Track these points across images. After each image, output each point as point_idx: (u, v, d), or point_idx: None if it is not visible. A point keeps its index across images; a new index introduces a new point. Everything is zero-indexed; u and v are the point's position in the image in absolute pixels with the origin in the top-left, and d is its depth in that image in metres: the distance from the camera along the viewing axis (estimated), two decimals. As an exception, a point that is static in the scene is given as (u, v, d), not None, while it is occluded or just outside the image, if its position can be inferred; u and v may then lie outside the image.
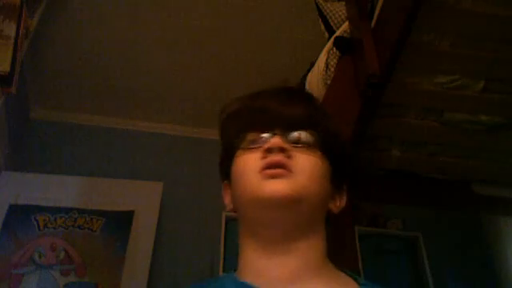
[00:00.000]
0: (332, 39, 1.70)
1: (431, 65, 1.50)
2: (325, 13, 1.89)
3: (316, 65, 1.79)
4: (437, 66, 1.50)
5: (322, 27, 1.92)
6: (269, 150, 0.73)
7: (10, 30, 1.94)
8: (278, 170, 0.71)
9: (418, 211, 2.81)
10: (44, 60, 2.88)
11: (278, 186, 0.70)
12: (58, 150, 3.00)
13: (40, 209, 2.67)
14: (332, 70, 1.65)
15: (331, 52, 1.67)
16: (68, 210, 2.70)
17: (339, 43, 1.62)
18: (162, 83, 3.03)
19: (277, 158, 0.72)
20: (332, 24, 1.85)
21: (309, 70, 1.87)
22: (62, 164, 2.93)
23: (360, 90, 1.47)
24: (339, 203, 0.80)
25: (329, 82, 1.63)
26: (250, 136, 0.77)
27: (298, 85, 1.95)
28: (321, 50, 1.79)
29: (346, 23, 1.68)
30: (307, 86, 1.84)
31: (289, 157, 0.73)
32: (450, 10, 1.35)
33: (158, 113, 3.23)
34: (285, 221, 0.72)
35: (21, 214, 2.65)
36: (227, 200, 0.82)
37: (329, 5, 1.90)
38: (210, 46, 2.83)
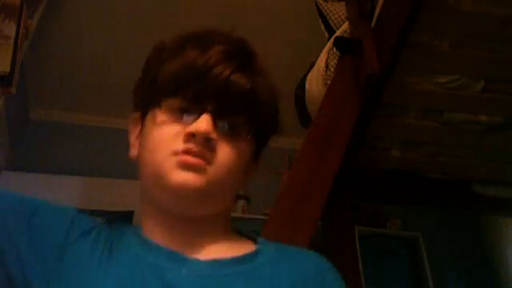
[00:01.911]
0: (332, 39, 1.70)
1: (431, 65, 1.50)
2: (325, 13, 1.89)
3: (316, 65, 1.79)
4: (437, 66, 1.50)
5: (322, 27, 1.92)
6: (192, 135, 0.64)
7: (10, 30, 1.94)
8: (195, 161, 0.63)
9: (418, 211, 2.82)
10: (44, 60, 2.88)
11: (189, 179, 0.63)
12: (58, 150, 3.00)
13: (40, 209, 2.67)
14: (332, 70, 1.65)
15: (331, 52, 1.67)
16: (68, 210, 2.70)
17: (339, 43, 1.62)
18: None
19: (198, 149, 0.63)
20: (332, 24, 1.85)
21: (309, 70, 1.87)
22: (62, 164, 2.93)
23: (360, 90, 1.47)
24: (250, 176, 0.73)
25: (329, 82, 1.63)
26: (178, 102, 0.66)
27: (297, 85, 1.96)
28: (321, 50, 1.79)
29: (346, 23, 1.68)
30: (307, 86, 1.84)
31: (212, 147, 0.64)
32: (450, 10, 1.35)
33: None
34: (191, 211, 0.67)
35: (21, 214, 2.64)
36: (134, 144, 0.74)
37: (329, 5, 1.90)
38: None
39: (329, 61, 1.68)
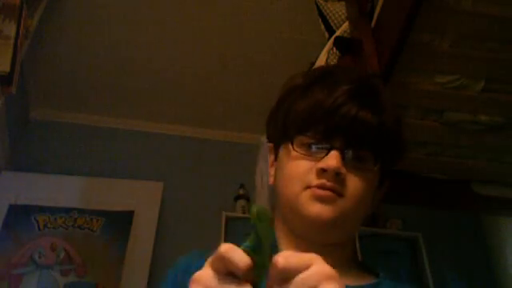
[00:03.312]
0: (332, 39, 1.70)
1: (431, 65, 1.49)
2: (325, 13, 1.89)
3: (316, 65, 1.79)
4: (437, 66, 1.50)
5: (322, 27, 1.92)
6: (323, 171, 0.70)
7: (10, 30, 1.93)
8: (328, 194, 0.70)
9: (417, 211, 2.82)
10: (44, 60, 2.88)
11: (324, 211, 0.69)
12: (58, 150, 3.00)
13: (40, 209, 2.67)
14: (332, 70, 1.65)
15: (331, 52, 1.67)
16: (68, 210, 2.70)
17: (339, 43, 1.62)
18: (162, 83, 3.03)
19: (330, 183, 0.70)
20: (332, 24, 1.85)
21: (309, 70, 1.87)
22: (62, 164, 2.93)
23: (360, 90, 1.47)
24: (377, 202, 0.79)
25: (329, 82, 1.63)
26: (308, 138, 0.73)
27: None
28: (321, 50, 1.79)
29: (346, 23, 1.68)
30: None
31: (342, 181, 0.70)
32: (450, 10, 1.35)
33: (158, 113, 3.23)
34: (323, 238, 0.72)
35: (21, 214, 2.65)
36: (271, 171, 0.81)
37: (329, 5, 1.90)
38: (210, 46, 2.83)
39: (329, 61, 1.68)
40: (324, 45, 1.80)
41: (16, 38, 1.94)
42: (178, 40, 2.80)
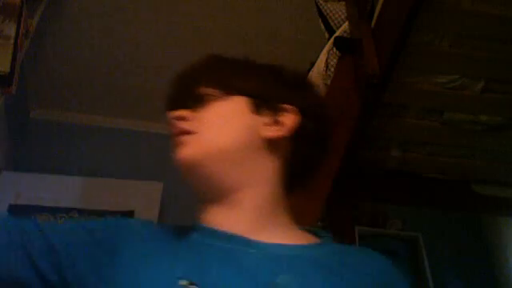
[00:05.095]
0: (332, 39, 1.70)
1: (431, 65, 1.50)
2: (325, 13, 1.89)
3: (316, 65, 1.79)
4: (437, 66, 1.50)
5: (322, 27, 1.92)
6: (173, 123, 0.75)
7: (10, 29, 1.93)
8: (180, 138, 0.73)
9: (418, 211, 2.81)
10: (44, 60, 2.88)
11: (179, 154, 0.72)
12: (58, 149, 3.00)
13: (40, 209, 2.67)
14: (332, 70, 1.65)
15: (331, 52, 1.67)
16: (68, 210, 2.70)
17: (339, 43, 1.62)
18: (162, 83, 3.02)
19: (176, 126, 0.74)
20: (332, 24, 1.85)
21: (309, 70, 1.87)
22: (62, 164, 2.92)
23: (360, 90, 1.47)
24: (280, 127, 0.74)
25: (329, 82, 1.63)
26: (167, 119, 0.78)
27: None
28: (321, 50, 1.79)
29: (346, 23, 1.68)
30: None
31: (190, 119, 0.74)
32: (450, 11, 1.35)
33: (158, 113, 3.21)
34: (203, 183, 0.73)
35: (21, 214, 2.64)
36: None
37: (329, 5, 1.90)
38: (210, 46, 2.83)
39: (329, 61, 1.68)
40: (324, 45, 1.80)
41: (16, 38, 1.94)
42: (178, 40, 2.80)
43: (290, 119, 0.74)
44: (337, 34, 1.73)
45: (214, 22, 2.71)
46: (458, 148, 1.77)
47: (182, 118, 0.74)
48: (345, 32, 1.66)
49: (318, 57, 1.80)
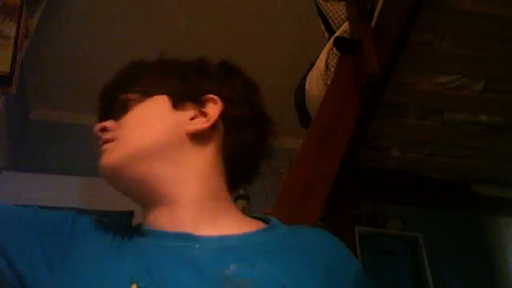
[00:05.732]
0: (332, 39, 1.70)
1: (431, 65, 1.50)
2: (325, 13, 1.89)
3: (316, 65, 1.79)
4: (437, 66, 1.50)
5: (322, 27, 1.92)
6: (97, 136, 0.76)
7: (10, 30, 1.94)
8: (101, 148, 0.74)
9: (418, 211, 2.82)
10: (44, 60, 2.88)
11: (100, 163, 0.73)
12: (58, 149, 3.00)
13: (40, 209, 2.67)
14: (332, 70, 1.65)
15: (331, 52, 1.67)
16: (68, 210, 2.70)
17: (339, 43, 1.62)
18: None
19: (99, 138, 0.75)
20: (332, 24, 1.85)
21: (309, 70, 1.87)
22: (62, 164, 2.92)
23: (360, 90, 1.47)
24: (204, 118, 0.73)
25: (329, 82, 1.63)
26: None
27: (297, 85, 1.95)
28: (321, 50, 1.79)
29: (346, 23, 1.68)
30: (307, 86, 1.84)
31: (113, 128, 0.74)
32: (450, 11, 1.35)
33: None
34: (132, 186, 0.74)
35: (21, 214, 2.64)
36: None
37: (329, 5, 1.90)
38: (210, 46, 2.82)
39: (329, 61, 1.67)
40: (324, 45, 1.80)
41: (16, 38, 1.94)
42: (178, 40, 2.80)
43: (212, 109, 0.74)
44: (337, 34, 1.72)
45: (213, 22, 2.71)
46: (457, 148, 1.77)
47: (104, 129, 0.75)
48: (345, 32, 1.66)
49: (317, 57, 1.80)
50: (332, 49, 1.66)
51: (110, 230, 0.72)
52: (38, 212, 0.74)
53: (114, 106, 0.77)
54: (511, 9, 1.33)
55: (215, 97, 0.74)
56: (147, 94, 0.75)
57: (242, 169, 0.78)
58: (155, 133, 0.72)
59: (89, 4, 2.65)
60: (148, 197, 0.72)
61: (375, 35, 1.45)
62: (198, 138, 0.72)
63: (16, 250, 0.65)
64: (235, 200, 2.86)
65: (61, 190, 2.76)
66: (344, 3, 1.77)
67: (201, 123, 0.73)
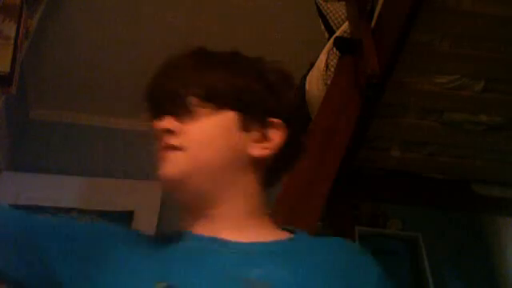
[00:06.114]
0: (332, 39, 1.70)
1: (431, 65, 1.50)
2: (325, 13, 1.89)
3: (316, 65, 1.79)
4: (437, 66, 1.50)
5: (322, 27, 1.92)
6: (160, 135, 0.73)
7: (10, 30, 1.94)
8: (166, 153, 0.72)
9: (418, 211, 2.82)
10: (44, 60, 2.88)
11: (163, 170, 0.72)
12: (58, 150, 3.00)
13: (40, 209, 2.67)
14: (332, 70, 1.65)
15: (331, 52, 1.67)
16: (68, 210, 2.70)
17: (339, 43, 1.62)
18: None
19: (163, 140, 0.72)
20: (332, 24, 1.85)
21: (309, 70, 1.87)
22: (62, 164, 2.92)
23: (360, 90, 1.47)
24: (268, 143, 0.74)
25: (329, 82, 1.63)
26: (151, 126, 0.76)
27: (297, 85, 1.95)
28: (321, 50, 1.79)
29: (346, 23, 1.68)
30: (307, 86, 1.84)
31: (178, 133, 0.72)
32: (450, 11, 1.35)
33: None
34: (185, 197, 0.73)
35: (21, 214, 2.64)
36: None
37: (329, 5, 1.90)
38: (209, 46, 2.82)
39: (329, 61, 1.68)
40: (324, 45, 1.80)
41: (16, 38, 1.94)
42: (178, 40, 2.79)
43: (277, 135, 0.75)
44: (337, 34, 1.73)
45: (213, 22, 2.71)
46: (457, 148, 1.77)
47: (170, 132, 0.72)
48: (345, 32, 1.66)
49: (317, 57, 1.80)
50: (332, 49, 1.66)
51: (143, 237, 0.75)
52: (89, 225, 0.77)
53: (175, 102, 0.74)
54: (511, 9, 1.33)
55: (280, 122, 0.75)
56: (218, 106, 0.73)
57: (279, 178, 0.82)
58: (222, 154, 0.72)
59: (89, 4, 2.65)
60: (198, 207, 0.73)
61: (375, 35, 1.45)
62: (255, 161, 0.74)
63: (61, 261, 0.67)
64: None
65: (61, 190, 2.76)
66: (344, 3, 1.77)
67: (264, 149, 0.74)
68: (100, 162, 2.98)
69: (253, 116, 0.74)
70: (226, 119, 0.73)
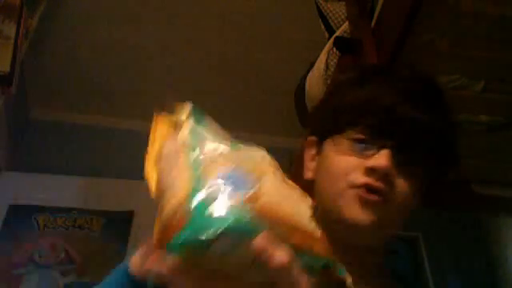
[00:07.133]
0: (332, 39, 1.70)
1: (431, 65, 1.49)
2: (325, 13, 1.89)
3: (316, 65, 1.79)
4: (437, 66, 1.49)
5: (322, 27, 1.92)
6: (372, 170, 0.65)
7: (10, 30, 1.94)
8: (375, 199, 0.65)
9: (418, 211, 2.81)
10: (44, 60, 2.88)
11: (365, 216, 0.65)
12: (58, 150, 3.00)
13: (40, 209, 2.67)
14: (332, 69, 1.65)
15: (331, 52, 1.67)
16: (68, 210, 2.70)
17: (339, 43, 1.62)
18: (162, 83, 3.02)
19: (378, 183, 0.65)
20: (332, 24, 1.85)
21: (309, 70, 1.87)
22: (62, 164, 2.92)
23: (360, 90, 1.47)
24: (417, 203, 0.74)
25: (329, 81, 1.63)
26: (358, 133, 0.68)
27: (297, 85, 1.95)
28: (321, 50, 1.79)
29: (346, 23, 1.68)
30: (307, 86, 1.84)
31: (391, 184, 0.66)
32: (450, 10, 1.35)
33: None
34: (359, 241, 0.70)
35: (21, 214, 2.64)
36: (309, 167, 0.76)
37: (329, 5, 1.90)
38: (210, 46, 2.83)
39: (329, 61, 1.68)
40: (324, 45, 1.80)
41: (16, 38, 1.94)
42: (178, 40, 2.80)
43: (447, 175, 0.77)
44: (337, 33, 1.72)
45: (213, 22, 2.71)
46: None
47: (389, 176, 0.66)
48: (345, 32, 1.66)
49: (317, 57, 1.80)
50: (332, 49, 1.66)
51: None
52: None
53: (439, 141, 0.70)
54: (511, 9, 1.33)
55: (456, 168, 0.79)
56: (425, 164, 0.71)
57: None
58: (410, 209, 0.74)
59: (89, 4, 2.65)
60: (360, 244, 0.71)
61: (375, 35, 1.45)
62: None
63: None
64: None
65: (61, 190, 2.76)
66: (344, 3, 1.77)
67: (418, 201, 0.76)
68: (100, 162, 2.98)
69: (431, 182, 0.76)
70: (422, 182, 0.73)
